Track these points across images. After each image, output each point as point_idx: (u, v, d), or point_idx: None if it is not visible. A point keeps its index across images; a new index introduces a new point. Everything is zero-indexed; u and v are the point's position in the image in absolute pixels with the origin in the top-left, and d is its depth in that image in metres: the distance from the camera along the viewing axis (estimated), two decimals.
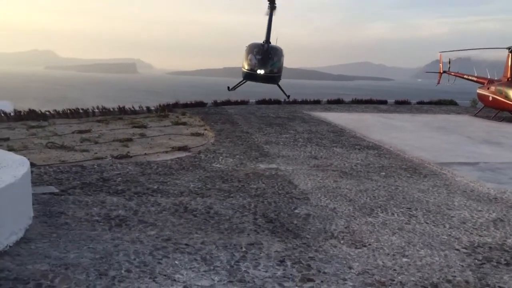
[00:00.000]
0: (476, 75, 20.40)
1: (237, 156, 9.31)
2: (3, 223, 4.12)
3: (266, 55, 15.20)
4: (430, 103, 22.18)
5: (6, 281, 3.61)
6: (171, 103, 17.30)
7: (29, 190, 4.94)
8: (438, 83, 22.24)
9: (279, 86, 16.63)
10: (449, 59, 22.55)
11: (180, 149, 9.89)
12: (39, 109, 14.09)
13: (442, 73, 22.06)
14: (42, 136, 10.86)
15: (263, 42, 15.43)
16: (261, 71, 15.25)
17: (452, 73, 21.65)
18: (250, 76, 15.78)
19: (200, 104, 18.04)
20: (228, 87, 17.23)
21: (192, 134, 11.89)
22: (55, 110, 14.24)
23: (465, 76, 21.03)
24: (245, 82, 16.57)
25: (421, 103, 22.13)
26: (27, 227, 4.64)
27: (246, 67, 15.60)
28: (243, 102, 19.06)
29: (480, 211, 6.34)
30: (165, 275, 3.94)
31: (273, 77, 15.74)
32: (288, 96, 16.71)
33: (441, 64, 22.42)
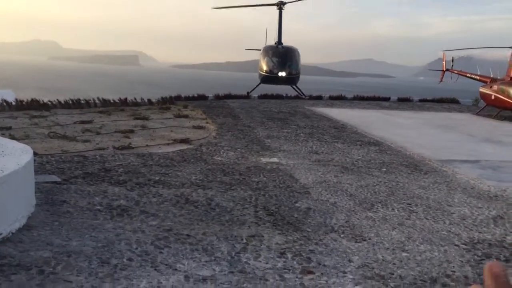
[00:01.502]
0: (479, 73, 20.37)
1: (239, 149, 9.32)
2: (6, 210, 4.15)
3: (284, 57, 15.21)
4: (432, 101, 22.16)
5: (9, 267, 3.64)
6: (173, 96, 17.31)
7: (32, 178, 4.96)
8: (441, 81, 22.21)
9: (296, 86, 16.58)
10: (452, 57, 22.53)
11: (182, 141, 9.91)
12: (41, 99, 14.11)
13: (445, 71, 22.04)
14: (44, 125, 10.88)
15: (275, 43, 15.45)
16: (282, 74, 15.18)
17: (455, 71, 21.62)
18: (269, 79, 15.69)
19: (202, 97, 18.05)
20: (247, 92, 17.20)
21: (194, 127, 11.91)
22: (57, 100, 14.25)
23: (467, 75, 21.00)
24: (260, 85, 16.54)
25: (423, 100, 22.11)
26: (29, 215, 4.67)
27: (265, 70, 15.45)
28: (245, 96, 19.04)
29: (480, 208, 6.36)
30: (166, 264, 3.97)
31: (293, 79, 15.76)
32: (306, 96, 16.62)
33: (444, 62, 22.40)
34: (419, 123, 15.15)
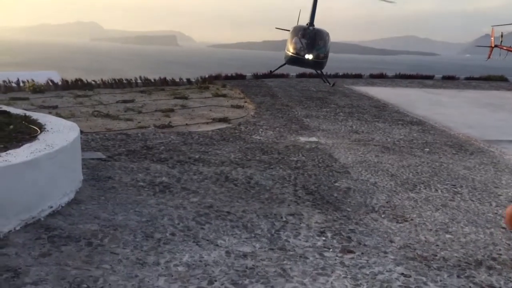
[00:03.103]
0: None
1: (277, 128, 9.30)
2: (56, 184, 4.34)
3: (313, 39, 14.55)
4: (478, 79, 21.22)
5: (59, 239, 3.82)
6: (211, 75, 17.39)
7: (79, 155, 5.15)
8: (489, 57, 21.20)
9: (321, 73, 15.81)
10: (501, 33, 21.40)
11: (221, 120, 9.98)
12: (85, 79, 14.52)
13: (494, 47, 20.99)
14: (88, 105, 11.21)
15: (307, 24, 14.88)
16: (309, 56, 14.53)
17: (504, 48, 20.57)
18: (295, 60, 15.10)
19: (240, 77, 18.04)
20: (271, 71, 16.87)
21: (232, 106, 11.95)
22: (101, 80, 14.63)
23: None
24: (285, 65, 16.03)
25: (469, 78, 21.21)
26: (77, 190, 4.86)
27: (291, 50, 14.88)
28: (283, 76, 18.87)
29: None
30: (208, 240, 4.05)
31: (319, 63, 14.99)
32: (333, 84, 15.73)
33: (492, 38, 21.33)
34: (464, 102, 14.58)
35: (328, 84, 15.43)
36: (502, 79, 21.50)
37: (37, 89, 12.50)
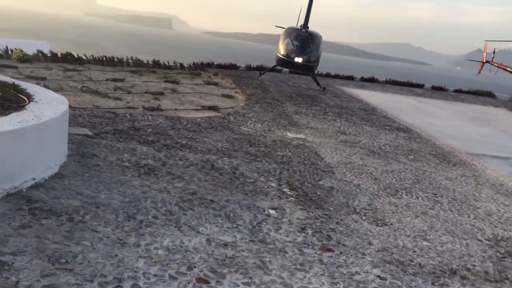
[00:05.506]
0: None
1: (266, 122, 9.31)
2: (41, 156, 4.28)
3: (304, 42, 14.09)
4: (467, 92, 21.50)
5: (41, 212, 3.77)
6: (203, 62, 17.27)
7: (66, 129, 5.08)
8: (479, 72, 21.50)
9: (313, 76, 15.44)
10: (494, 49, 21.71)
11: (210, 108, 9.94)
12: (76, 54, 14.29)
13: (485, 62, 21.29)
14: (77, 79, 11.04)
15: (301, 26, 14.55)
16: (298, 59, 14.10)
17: (495, 64, 20.89)
18: (284, 62, 14.70)
19: (233, 67, 17.94)
20: (260, 73, 16.48)
21: (223, 95, 11.90)
22: (92, 56, 14.41)
23: (508, 69, 20.26)
24: (276, 67, 15.70)
25: (458, 91, 21.48)
26: (61, 164, 4.80)
27: (282, 52, 14.47)
28: (276, 70, 18.82)
29: (507, 206, 6.23)
30: (189, 226, 4.05)
31: (309, 66, 14.56)
32: (323, 89, 15.31)
33: (485, 54, 21.63)
34: (451, 114, 14.78)
35: (319, 87, 15.12)
36: (490, 95, 21.84)
37: (25, 58, 12.25)
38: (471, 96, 20.86)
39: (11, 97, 4.75)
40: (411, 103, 15.91)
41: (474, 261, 4.37)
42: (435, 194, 6.28)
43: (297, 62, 14.07)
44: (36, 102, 4.82)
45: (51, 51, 13.96)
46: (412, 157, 8.26)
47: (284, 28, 15.52)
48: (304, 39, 14.20)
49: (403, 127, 11.03)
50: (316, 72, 16.48)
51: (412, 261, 4.15)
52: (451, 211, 5.71)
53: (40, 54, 13.21)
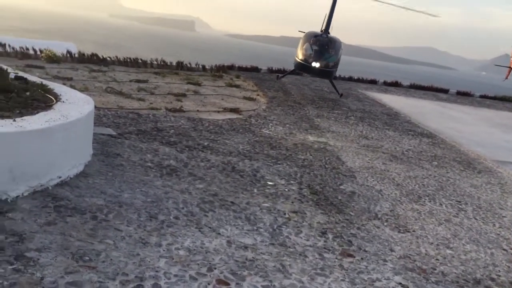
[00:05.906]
0: None
1: (287, 125, 9.29)
2: (67, 155, 4.37)
3: (323, 47, 13.93)
4: (494, 98, 21.04)
5: (66, 209, 3.85)
6: (226, 65, 17.36)
7: (91, 129, 5.18)
8: (506, 78, 20.97)
9: (331, 82, 15.28)
10: None
11: (232, 110, 9.98)
12: (102, 55, 14.55)
13: None
14: (102, 80, 11.24)
15: (321, 30, 14.45)
16: (316, 64, 13.97)
17: None
18: (302, 67, 14.58)
19: (255, 69, 17.99)
20: (278, 76, 16.43)
21: (245, 98, 11.93)
22: (116, 57, 14.65)
23: None
24: (294, 71, 15.61)
25: (484, 97, 21.03)
26: (86, 163, 4.89)
27: (300, 57, 14.36)
28: (298, 73, 18.77)
29: None
30: (210, 228, 4.07)
31: (328, 72, 14.37)
32: (341, 95, 15.06)
33: None
34: (477, 119, 14.48)
35: (337, 93, 14.91)
36: None
37: (53, 58, 12.54)
38: (497, 102, 20.41)
39: (39, 97, 4.87)
40: (435, 108, 15.65)
41: (499, 271, 4.26)
42: (459, 202, 6.16)
43: (315, 67, 13.95)
44: (63, 102, 4.93)
45: (78, 52, 14.26)
46: (436, 163, 8.12)
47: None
48: (323, 44, 14.06)
49: (426, 133, 10.86)
50: (336, 76, 16.26)
51: (435, 269, 4.08)
52: (476, 219, 5.59)
53: (68, 55, 13.51)
